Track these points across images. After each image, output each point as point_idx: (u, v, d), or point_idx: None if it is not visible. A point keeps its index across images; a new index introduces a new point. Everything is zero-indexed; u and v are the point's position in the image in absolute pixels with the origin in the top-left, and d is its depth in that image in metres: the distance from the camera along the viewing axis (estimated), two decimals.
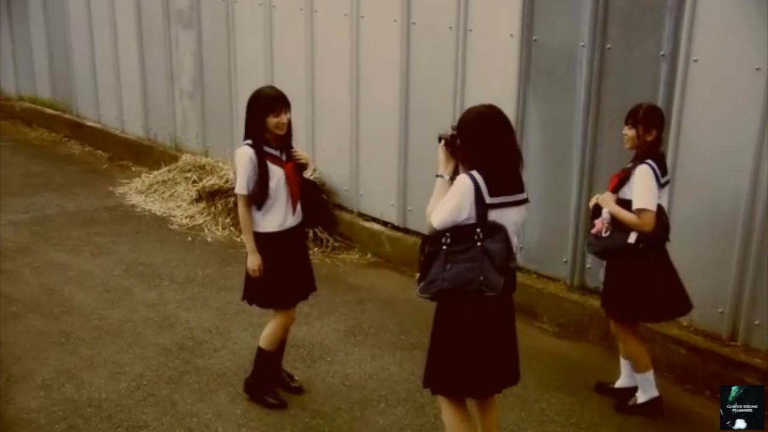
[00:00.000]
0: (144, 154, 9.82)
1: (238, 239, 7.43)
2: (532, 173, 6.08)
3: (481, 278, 3.52)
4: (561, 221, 6.03)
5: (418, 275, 3.79)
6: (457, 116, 6.37)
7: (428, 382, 3.86)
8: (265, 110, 4.50)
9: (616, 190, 4.57)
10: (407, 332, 5.87)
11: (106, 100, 10.55)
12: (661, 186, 4.47)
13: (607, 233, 4.60)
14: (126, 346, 5.54)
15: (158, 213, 8.24)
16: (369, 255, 7.28)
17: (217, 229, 7.69)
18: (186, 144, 9.37)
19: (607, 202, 4.60)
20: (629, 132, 4.53)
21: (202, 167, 8.68)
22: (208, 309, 6.11)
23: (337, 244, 7.44)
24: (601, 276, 5.77)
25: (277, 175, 4.57)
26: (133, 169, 9.78)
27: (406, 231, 7.12)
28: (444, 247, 3.62)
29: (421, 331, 5.77)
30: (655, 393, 4.83)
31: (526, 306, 6.14)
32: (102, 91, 10.58)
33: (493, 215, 3.58)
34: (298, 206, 4.71)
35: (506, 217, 3.62)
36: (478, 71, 6.31)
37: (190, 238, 7.57)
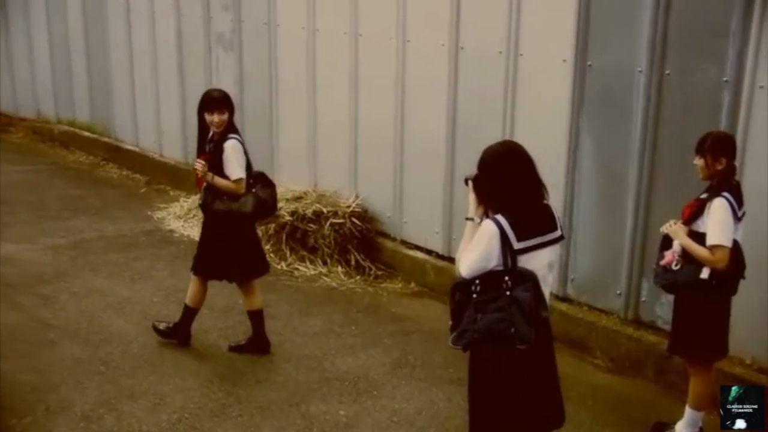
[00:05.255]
0: (182, 179, 9.73)
1: (279, 266, 7.29)
2: (584, 202, 5.92)
3: (512, 330, 3.42)
4: (614, 252, 5.82)
5: (450, 323, 3.68)
6: None
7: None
8: (202, 108, 5.38)
9: (689, 221, 4.35)
10: (454, 365, 5.66)
11: (144, 123, 10.51)
12: (737, 220, 4.26)
13: (677, 266, 4.39)
14: (167, 376, 5.40)
15: (196, 239, 8.05)
16: (412, 284, 7.11)
17: None
18: None
19: (678, 233, 4.38)
20: (698, 162, 4.34)
21: None
22: None
23: (379, 273, 7.29)
24: (657, 310, 5.62)
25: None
26: (171, 193, 9.69)
27: (451, 260, 6.91)
28: (474, 296, 3.52)
29: (468, 364, 5.60)
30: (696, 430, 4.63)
31: (577, 340, 5.95)
32: (140, 114, 10.55)
33: (524, 259, 3.46)
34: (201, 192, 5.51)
35: (538, 259, 3.50)
36: (528, 97, 6.14)
37: None
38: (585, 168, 5.90)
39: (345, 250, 7.33)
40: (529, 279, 3.44)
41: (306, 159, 8.13)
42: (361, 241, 7.39)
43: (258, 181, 5.57)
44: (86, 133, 11.66)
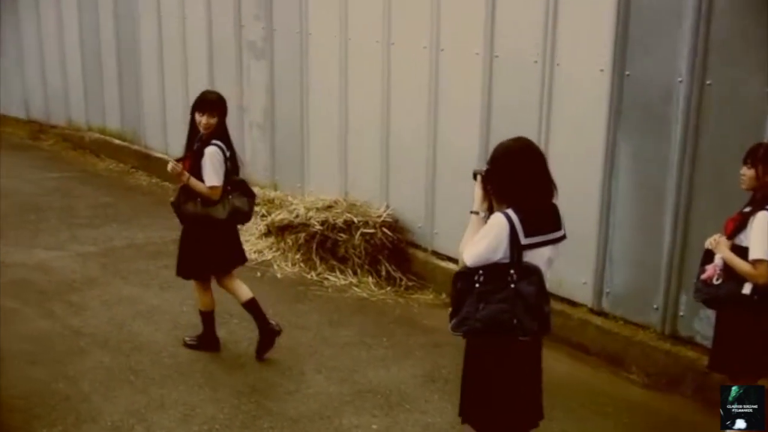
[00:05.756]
0: None
1: (309, 276, 7.24)
2: (620, 215, 5.82)
3: (515, 322, 3.49)
4: (652, 265, 5.70)
5: (450, 310, 3.73)
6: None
7: (463, 415, 3.82)
8: (194, 107, 5.45)
9: (731, 235, 4.24)
10: None
11: (174, 131, 10.49)
12: None
13: (719, 281, 4.27)
14: (197, 387, 5.35)
15: None
16: (444, 295, 7.00)
17: (287, 266, 7.49)
18: (254, 177, 9.21)
19: (721, 248, 4.27)
20: (748, 172, 4.21)
21: (271, 201, 8.53)
22: (280, 349, 5.86)
23: (410, 284, 7.21)
24: (696, 325, 5.50)
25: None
26: None
27: None
28: (477, 285, 3.56)
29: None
30: None
31: (612, 354, 5.85)
32: (170, 122, 10.55)
33: (528, 254, 3.53)
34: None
35: (539, 255, 3.57)
36: (565, 107, 6.05)
37: (259, 274, 7.39)
38: (622, 180, 5.79)
39: (376, 260, 7.25)
40: (535, 273, 3.51)
41: (336, 168, 8.07)
42: (392, 251, 7.32)
43: (237, 188, 5.57)
44: (117, 141, 11.70)
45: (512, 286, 3.49)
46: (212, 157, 5.38)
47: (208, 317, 5.81)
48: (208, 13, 9.51)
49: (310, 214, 7.54)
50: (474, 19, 6.52)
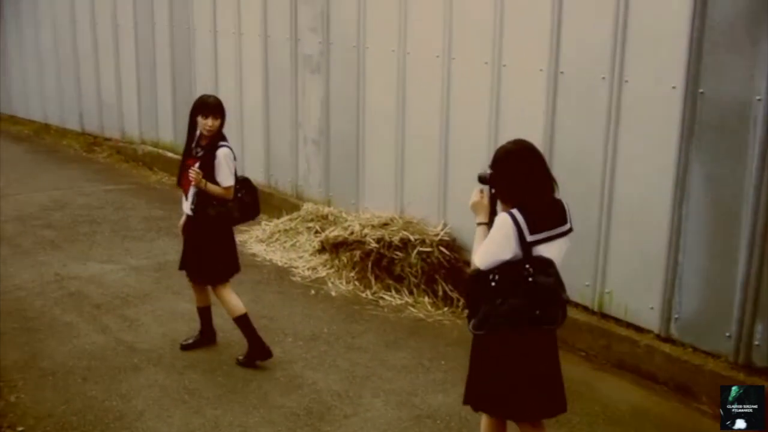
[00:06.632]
0: (264, 201, 9.49)
1: (364, 295, 7.10)
2: (691, 238, 5.59)
3: (538, 312, 3.66)
4: (725, 291, 5.46)
5: (467, 312, 3.96)
6: (608, 173, 5.96)
7: (471, 400, 4.00)
8: (197, 111, 5.61)
9: None
10: None
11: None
12: None
13: None
14: (251, 408, 5.22)
15: (279, 263, 7.98)
16: None
17: (341, 283, 7.35)
18: (308, 192, 9.16)
19: None
20: None
21: (325, 217, 8.43)
22: (336, 370, 5.75)
23: None
24: None
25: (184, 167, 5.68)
26: None
27: None
28: (492, 284, 3.72)
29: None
30: None
31: (681, 384, 5.60)
32: None
33: (537, 250, 3.70)
34: (191, 200, 5.71)
35: (549, 251, 3.74)
36: (633, 125, 5.83)
37: (313, 292, 7.27)
38: (693, 202, 5.56)
39: (432, 279, 7.08)
40: (551, 265, 3.70)
41: (393, 185, 7.93)
42: (449, 270, 7.13)
43: (243, 186, 5.86)
44: (170, 154, 11.69)
45: (530, 279, 3.65)
46: (226, 158, 5.63)
47: (206, 312, 6.08)
48: (263, 26, 9.45)
49: (366, 231, 7.40)
50: (538, 33, 6.34)
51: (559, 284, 3.72)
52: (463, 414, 5.22)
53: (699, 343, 5.68)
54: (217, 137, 5.65)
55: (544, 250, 3.72)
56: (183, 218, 5.98)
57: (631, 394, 5.61)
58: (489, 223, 3.86)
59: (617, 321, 6.10)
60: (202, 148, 5.66)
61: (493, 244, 3.71)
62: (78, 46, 13.47)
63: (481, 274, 3.77)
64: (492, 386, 3.88)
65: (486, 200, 3.92)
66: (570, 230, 3.84)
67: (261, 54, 9.56)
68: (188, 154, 5.71)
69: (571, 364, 5.97)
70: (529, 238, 3.66)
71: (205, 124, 5.57)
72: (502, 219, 3.70)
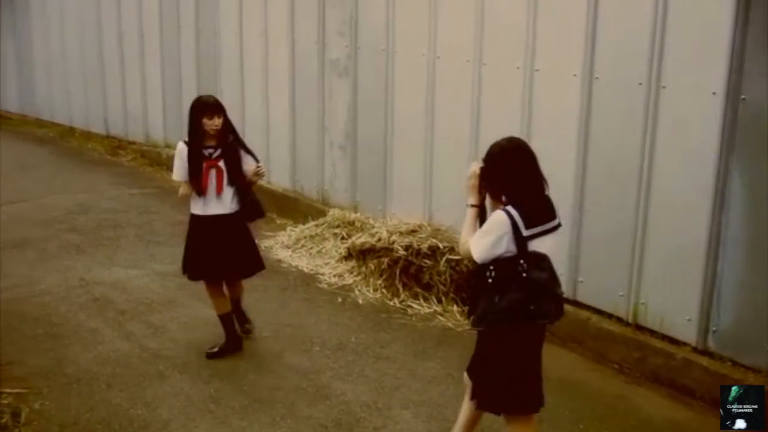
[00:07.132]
0: (289, 207, 9.55)
1: (391, 303, 6.98)
2: (731, 249, 5.43)
3: (532, 307, 3.76)
4: (765, 303, 5.29)
5: (467, 308, 4.25)
6: (644, 182, 5.80)
7: (500, 407, 4.14)
8: (201, 113, 5.59)
9: None
10: (585, 420, 5.24)
11: (253, 149, 10.35)
12: None
13: None
14: (278, 418, 5.12)
15: (306, 270, 7.88)
16: None
17: (369, 291, 7.23)
18: (334, 198, 9.05)
19: None
20: None
21: (351, 223, 8.32)
22: (364, 380, 5.63)
23: None
24: None
25: (203, 169, 5.65)
26: (278, 221, 9.45)
27: (576, 303, 6.47)
28: (490, 280, 3.83)
29: (601, 421, 5.16)
30: None
31: (719, 398, 5.41)
32: (248, 140, 10.22)
33: (532, 245, 3.79)
34: (229, 198, 5.75)
35: (542, 246, 3.82)
36: (671, 133, 5.67)
37: (340, 299, 7.16)
38: (734, 212, 5.40)
39: (461, 288, 6.93)
40: (545, 260, 3.80)
41: (421, 191, 7.80)
42: None
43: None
44: None
45: (524, 275, 3.76)
46: (246, 146, 5.90)
47: (228, 319, 6.01)
48: (290, 30, 9.36)
49: (393, 238, 7.28)
50: (572, 37, 6.19)
51: (553, 279, 3.84)
52: (495, 427, 5.09)
53: (738, 357, 5.51)
54: (226, 132, 5.74)
55: (538, 245, 3.81)
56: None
57: (666, 409, 5.45)
58: (479, 207, 4.00)
59: (652, 333, 5.94)
60: (215, 147, 5.70)
61: (487, 239, 3.80)
62: (104, 49, 13.50)
63: (479, 270, 3.90)
64: (491, 382, 4.01)
65: (475, 182, 3.99)
66: (559, 225, 3.95)
67: (288, 58, 9.47)
68: (202, 156, 5.69)
69: (604, 376, 5.86)
70: (525, 233, 3.76)
71: (212, 123, 5.61)
72: (498, 216, 3.80)
